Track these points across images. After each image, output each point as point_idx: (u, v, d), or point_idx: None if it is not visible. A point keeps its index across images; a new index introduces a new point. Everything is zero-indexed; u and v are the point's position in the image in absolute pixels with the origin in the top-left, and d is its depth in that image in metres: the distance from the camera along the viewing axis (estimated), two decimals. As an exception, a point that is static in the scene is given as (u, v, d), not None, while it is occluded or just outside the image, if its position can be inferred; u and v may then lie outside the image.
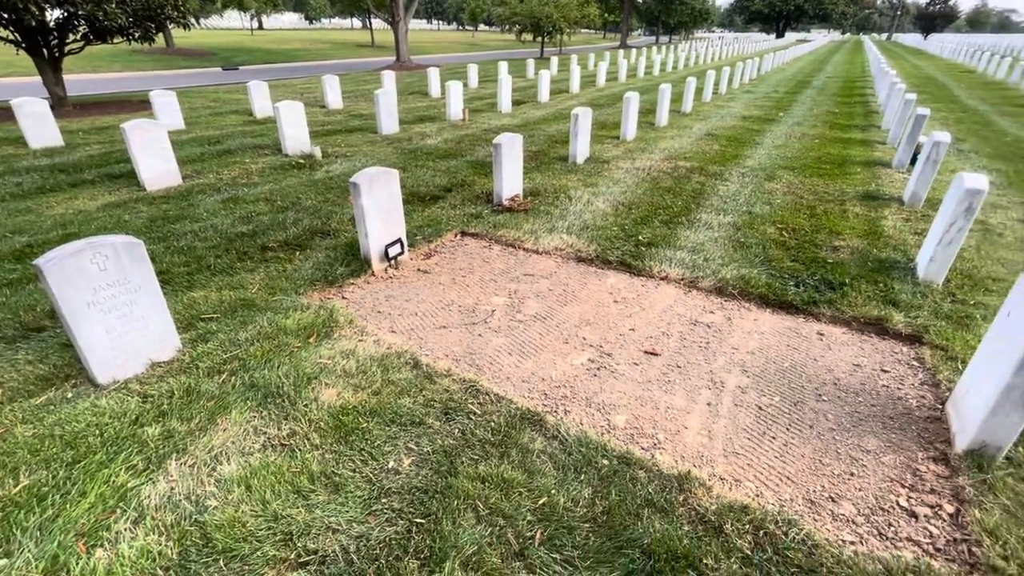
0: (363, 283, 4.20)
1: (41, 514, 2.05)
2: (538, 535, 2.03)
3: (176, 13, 12.86)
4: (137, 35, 12.50)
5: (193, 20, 15.11)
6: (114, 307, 2.77)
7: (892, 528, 2.14)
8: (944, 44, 44.36)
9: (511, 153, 5.74)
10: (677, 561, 1.92)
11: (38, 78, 12.28)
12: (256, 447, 2.43)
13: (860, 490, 2.32)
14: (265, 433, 2.51)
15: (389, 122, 9.77)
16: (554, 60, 22.78)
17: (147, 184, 6.29)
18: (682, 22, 59.69)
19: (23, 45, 11.33)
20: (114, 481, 2.21)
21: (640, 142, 9.18)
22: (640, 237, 4.98)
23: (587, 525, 2.08)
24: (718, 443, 2.59)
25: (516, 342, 3.43)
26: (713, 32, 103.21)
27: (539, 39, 36.82)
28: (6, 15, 10.42)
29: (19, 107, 7.92)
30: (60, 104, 11.94)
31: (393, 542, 1.98)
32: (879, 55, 25.31)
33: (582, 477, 2.30)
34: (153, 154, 6.29)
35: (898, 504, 2.25)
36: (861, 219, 5.43)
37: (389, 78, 14.12)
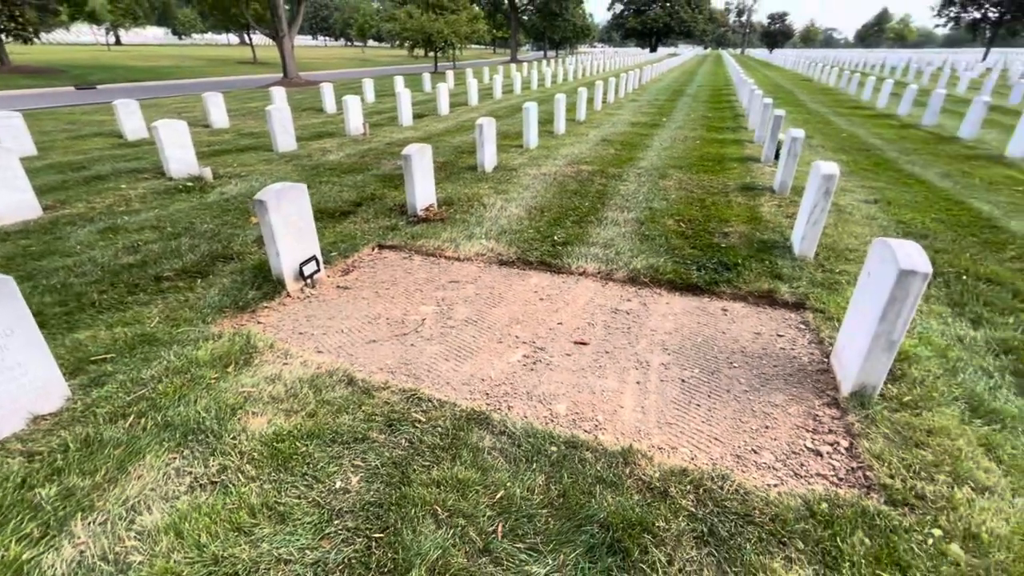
0: (279, 305, 3.96)
1: (-93, 610, 1.70)
2: (500, 528, 2.06)
3: (13, 25, 11.21)
4: (-38, 50, 10.71)
5: (33, 34, 13.25)
6: (-20, 357, 2.37)
7: (804, 467, 2.44)
8: (786, 57, 51.23)
9: (421, 163, 5.73)
10: (632, 528, 2.05)
11: None
12: (182, 490, 2.20)
13: (775, 439, 2.62)
14: (190, 473, 2.28)
15: (285, 139, 9.27)
16: (449, 74, 23.02)
17: (-4, 218, 5.41)
18: (566, 37, 63.17)
19: None
20: (3, 556, 1.89)
21: (543, 149, 9.57)
22: (555, 237, 5.20)
23: (545, 511, 2.14)
24: (652, 417, 2.78)
25: (451, 347, 3.43)
26: (595, 47, 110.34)
27: (432, 54, 37.01)
28: None
29: None
30: None
31: (354, 561, 1.90)
32: (737, 67, 28.61)
33: (534, 466, 2.36)
34: (1, 183, 5.43)
35: (806, 446, 2.58)
36: (743, 207, 6.11)
37: (279, 94, 13.41)
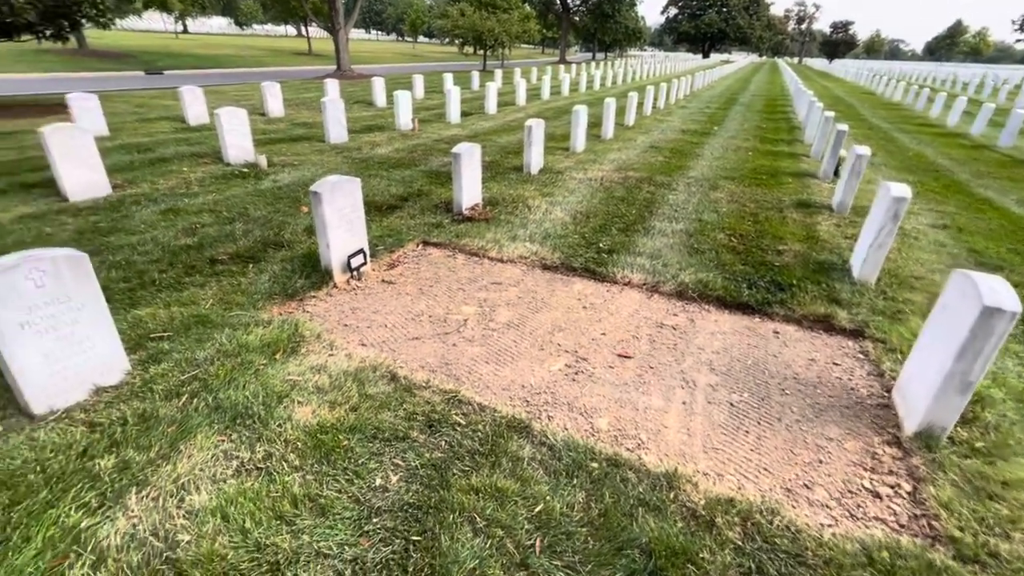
0: (325, 296, 4.04)
1: (-22, 566, 1.80)
2: (538, 543, 2.02)
3: (94, 11, 11.92)
4: (48, 33, 11.46)
5: (110, 19, 14.04)
6: (52, 328, 2.50)
7: (861, 509, 2.30)
8: (847, 68, 49.03)
9: (470, 162, 5.74)
10: (676, 557, 1.97)
11: (-74, 77, 10.98)
12: (228, 473, 2.25)
13: (829, 475, 2.48)
14: (237, 457, 2.33)
15: (337, 131, 9.49)
16: (498, 73, 23.11)
17: (70, 194, 5.74)
18: (616, 40, 62.39)
19: (-92, 40, 10.09)
20: (64, 522, 1.98)
21: (589, 153, 9.46)
22: (601, 244, 5.11)
23: (585, 529, 2.09)
24: (697, 440, 2.68)
25: (492, 351, 3.41)
26: (645, 51, 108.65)
27: (481, 52, 37.24)
28: None
29: (-93, 108, 7.02)
30: (-46, 106, 10.70)
31: (391, 562, 1.90)
32: (795, 76, 27.59)
33: (574, 482, 2.31)
34: (77, 162, 5.76)
35: (863, 486, 2.42)
36: (799, 225, 5.86)
37: (333, 86, 13.75)
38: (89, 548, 1.89)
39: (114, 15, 15.23)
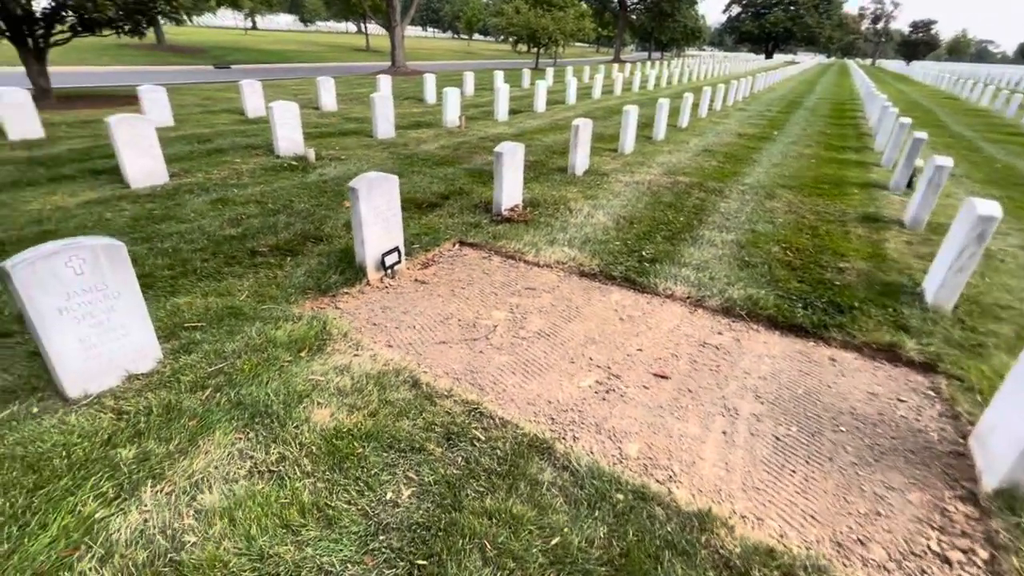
0: (358, 293, 4.01)
1: (-5, 550, 1.82)
2: (551, 580, 1.86)
3: (168, 7, 12.59)
4: (127, 28, 12.19)
5: (185, 16, 14.85)
6: (89, 314, 2.55)
7: (926, 575, 2.01)
8: (927, 71, 45.61)
9: (512, 162, 5.61)
10: (704, 613, 1.76)
11: (21, 68, 11.88)
12: (241, 473, 2.22)
13: (889, 531, 2.19)
14: (252, 457, 2.30)
15: (385, 126, 9.59)
16: (549, 71, 22.88)
17: (132, 181, 6.02)
18: (674, 39, 60.63)
19: (7, 34, 10.95)
20: (80, 511, 1.99)
21: (638, 156, 9.14)
22: (643, 253, 4.87)
23: (604, 569, 1.92)
24: (736, 476, 2.44)
25: (520, 360, 3.26)
26: (704, 51, 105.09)
27: (534, 50, 37.04)
28: (-9, 3, 10.09)
29: (-1, 97, 7.60)
30: (43, 96, 11.55)
31: (393, 588, 1.79)
32: (866, 79, 25.87)
33: (596, 514, 2.13)
34: (140, 150, 6.04)
35: (929, 548, 2.12)
36: (864, 241, 5.39)
37: (385, 82, 13.96)
38: (99, 541, 1.89)
39: (189, 12, 16.13)
